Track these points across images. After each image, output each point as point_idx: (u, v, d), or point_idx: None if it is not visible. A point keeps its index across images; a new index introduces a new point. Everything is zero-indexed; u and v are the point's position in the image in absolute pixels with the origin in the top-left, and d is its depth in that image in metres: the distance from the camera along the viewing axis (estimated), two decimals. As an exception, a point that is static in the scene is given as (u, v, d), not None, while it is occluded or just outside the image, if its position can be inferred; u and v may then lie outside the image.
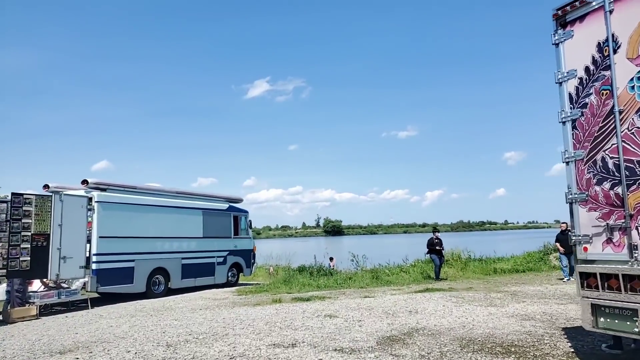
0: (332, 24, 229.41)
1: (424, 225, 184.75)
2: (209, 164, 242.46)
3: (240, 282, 17.23)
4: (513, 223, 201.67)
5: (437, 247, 15.23)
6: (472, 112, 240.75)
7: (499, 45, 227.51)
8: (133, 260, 12.86)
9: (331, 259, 21.39)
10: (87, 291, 11.94)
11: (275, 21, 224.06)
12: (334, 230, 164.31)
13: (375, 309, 9.27)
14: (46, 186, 12.52)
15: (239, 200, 17.56)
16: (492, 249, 23.25)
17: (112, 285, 12.32)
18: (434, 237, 15.47)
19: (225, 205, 16.54)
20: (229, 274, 16.36)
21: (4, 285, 11.07)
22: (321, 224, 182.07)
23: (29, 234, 10.84)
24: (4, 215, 11.11)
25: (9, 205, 10.79)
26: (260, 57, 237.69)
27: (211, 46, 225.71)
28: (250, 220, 17.54)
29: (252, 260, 17.56)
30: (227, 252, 16.21)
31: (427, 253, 15.62)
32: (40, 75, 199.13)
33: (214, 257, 15.62)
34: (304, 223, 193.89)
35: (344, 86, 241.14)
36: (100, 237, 12.05)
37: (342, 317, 8.44)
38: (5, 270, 10.59)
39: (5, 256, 10.59)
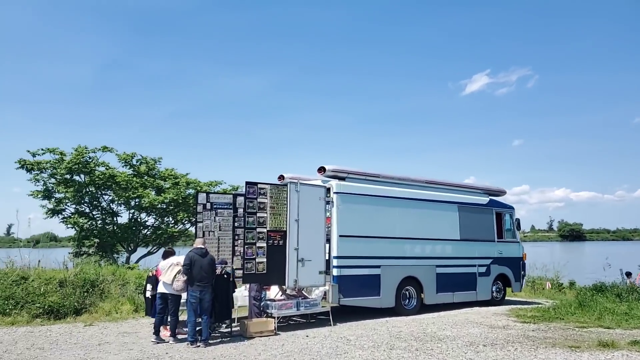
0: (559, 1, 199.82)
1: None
2: (425, 164, 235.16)
3: (506, 298, 13.15)
4: None
5: None
6: None
7: None
8: (379, 267, 10.19)
9: (629, 274, 15.42)
10: (328, 302, 9.70)
11: (496, 9, 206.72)
12: (572, 234, 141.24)
13: None
14: (281, 177, 10.83)
15: (501, 193, 13.52)
16: None
17: (356, 296, 9.85)
18: None
19: (485, 199, 12.74)
20: (494, 288, 12.47)
21: (244, 288, 9.53)
22: (555, 227, 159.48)
23: (265, 230, 9.09)
24: (241, 210, 9.60)
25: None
26: (479, 48, 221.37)
27: (433, 38, 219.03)
28: (517, 219, 13.34)
29: (522, 272, 13.29)
30: (490, 260, 12.36)
31: None
32: (274, 94, 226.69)
33: (474, 265, 11.98)
34: (532, 226, 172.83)
35: (577, 70, 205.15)
36: (340, 236, 9.71)
37: None
38: (241, 273, 9.05)
39: (241, 256, 9.04)
